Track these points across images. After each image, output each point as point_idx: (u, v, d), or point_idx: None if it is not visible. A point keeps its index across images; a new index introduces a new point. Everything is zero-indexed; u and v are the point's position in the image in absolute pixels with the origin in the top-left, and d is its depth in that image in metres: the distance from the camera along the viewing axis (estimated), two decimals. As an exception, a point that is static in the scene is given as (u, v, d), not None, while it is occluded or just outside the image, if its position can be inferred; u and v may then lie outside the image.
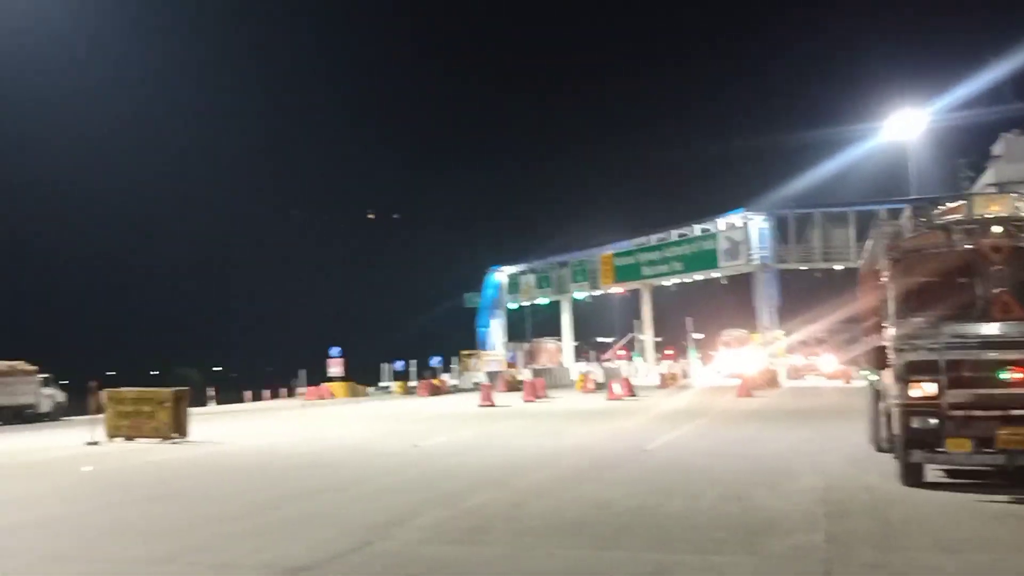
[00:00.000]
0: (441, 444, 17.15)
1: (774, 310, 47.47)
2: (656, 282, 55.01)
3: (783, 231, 48.11)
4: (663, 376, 43.37)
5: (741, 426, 19.24)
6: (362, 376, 53.12)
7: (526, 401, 32.78)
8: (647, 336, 57.62)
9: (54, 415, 33.21)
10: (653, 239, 54.60)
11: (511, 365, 57.77)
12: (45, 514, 10.02)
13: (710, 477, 11.05)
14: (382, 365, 56.98)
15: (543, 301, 62.60)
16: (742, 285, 50.45)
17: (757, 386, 32.56)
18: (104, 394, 20.25)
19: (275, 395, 50.48)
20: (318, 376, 50.46)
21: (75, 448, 18.38)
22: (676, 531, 7.80)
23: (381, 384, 54.63)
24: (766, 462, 12.54)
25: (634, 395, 32.46)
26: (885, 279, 10.11)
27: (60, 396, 34.52)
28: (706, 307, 57.35)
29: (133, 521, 9.33)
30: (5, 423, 30.46)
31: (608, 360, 57.90)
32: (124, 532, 8.67)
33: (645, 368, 54.43)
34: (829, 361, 44.10)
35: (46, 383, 33.65)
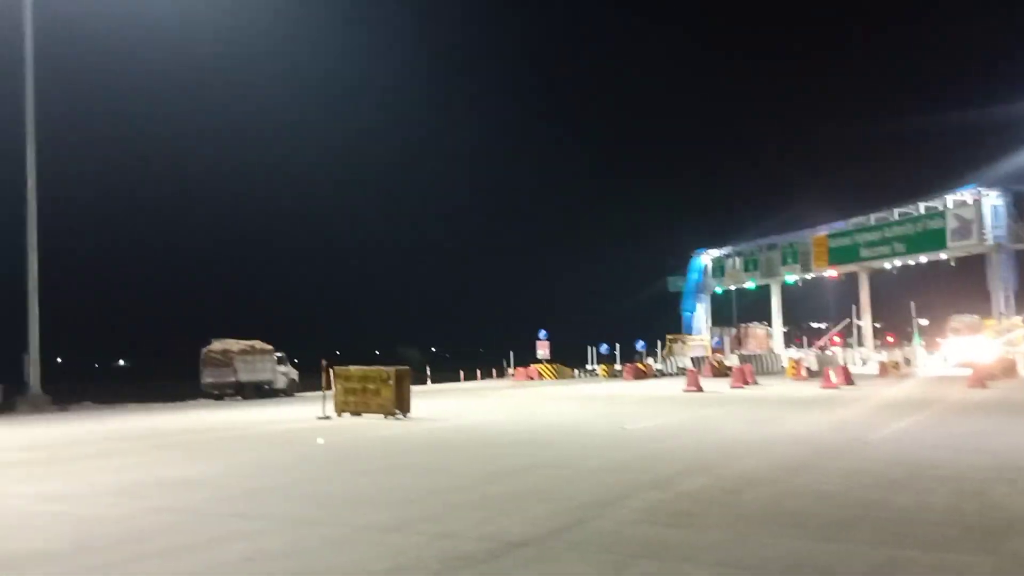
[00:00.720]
0: (649, 428, 17.15)
1: (1011, 294, 43.54)
2: (875, 264, 51.88)
3: (1020, 208, 43.99)
4: (883, 364, 41.11)
5: (974, 419, 17.88)
6: (568, 358, 53.92)
7: (734, 387, 32.09)
8: (865, 322, 54.49)
9: (288, 391, 35.94)
10: (872, 218, 51.47)
11: (717, 350, 56.62)
12: (285, 481, 10.95)
13: (941, 472, 10.39)
14: (588, 348, 57.55)
15: (750, 285, 60.67)
16: (973, 267, 46.71)
17: (991, 376, 30.09)
18: (333, 372, 21.74)
19: (486, 375, 52.22)
20: (527, 358, 51.74)
21: (308, 422, 19.91)
22: (905, 527, 7.41)
23: (587, 367, 55.18)
24: (1004, 457, 11.62)
25: (852, 383, 30.94)
26: None
27: (293, 373, 37.28)
28: (932, 291, 53.58)
29: (364, 490, 10.01)
30: (246, 398, 33.38)
31: (822, 347, 55.41)
32: (356, 500, 9.32)
33: (863, 355, 51.62)
34: (1077, 350, 39.99)
35: (281, 361, 36.44)
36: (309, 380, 36.23)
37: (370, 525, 7.85)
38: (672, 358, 55.02)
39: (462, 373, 51.79)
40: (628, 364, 49.78)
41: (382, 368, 21.07)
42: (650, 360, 54.27)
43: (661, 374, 49.55)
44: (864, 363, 47.96)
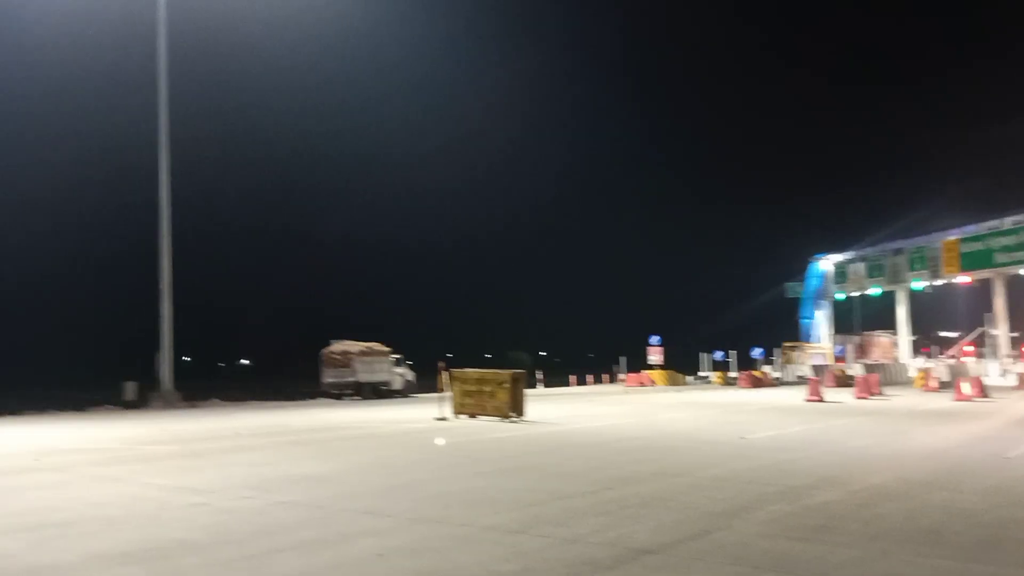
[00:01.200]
0: (770, 437, 16.70)
1: None
2: (1012, 270, 49.09)
3: None
4: (1021, 376, 38.85)
5: None
6: (681, 365, 53.16)
7: (858, 398, 30.96)
8: (1000, 331, 51.62)
9: (404, 392, 36.73)
10: (1008, 221, 48.71)
11: (839, 359, 54.76)
12: (407, 480, 11.15)
13: (1094, 492, 9.73)
14: (701, 355, 56.58)
15: (874, 291, 58.36)
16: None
17: None
18: (450, 374, 22.07)
19: (597, 380, 52.05)
20: (638, 363, 51.28)
21: (426, 422, 20.27)
22: (1057, 549, 6.97)
23: (700, 373, 54.32)
24: None
25: (986, 396, 29.37)
26: None
27: (409, 375, 38.10)
28: (1075, 299, 50.43)
29: (484, 491, 10.09)
30: (364, 398, 34.25)
31: (953, 357, 52.85)
32: (477, 501, 9.40)
33: (1004, 367, 48.90)
34: None
35: (397, 363, 37.28)
36: (424, 381, 36.92)
37: (493, 526, 7.91)
38: (790, 366, 53.51)
39: (573, 377, 51.74)
40: (744, 372, 48.69)
41: (498, 371, 21.29)
42: (767, 368, 52.94)
43: (779, 382, 48.27)
44: (1004, 374, 45.45)
